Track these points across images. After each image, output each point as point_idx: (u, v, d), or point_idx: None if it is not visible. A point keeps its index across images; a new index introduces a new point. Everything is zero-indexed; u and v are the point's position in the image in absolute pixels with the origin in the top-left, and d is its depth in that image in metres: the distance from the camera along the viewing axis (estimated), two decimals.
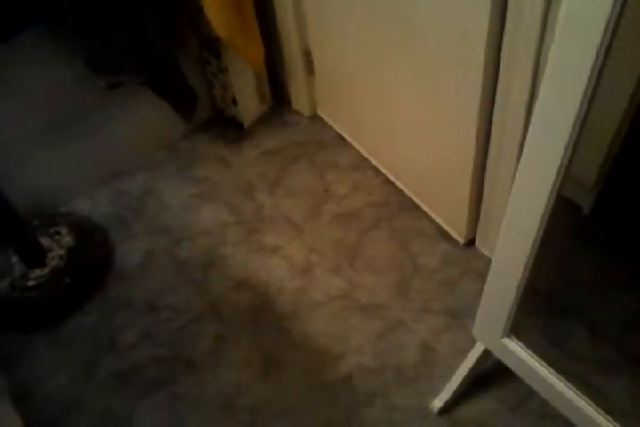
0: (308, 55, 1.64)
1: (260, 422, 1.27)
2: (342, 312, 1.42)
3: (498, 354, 1.12)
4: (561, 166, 0.79)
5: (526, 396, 1.27)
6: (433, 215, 1.56)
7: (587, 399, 1.00)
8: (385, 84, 1.42)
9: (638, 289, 1.16)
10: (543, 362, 1.04)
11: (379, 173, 1.66)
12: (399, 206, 1.60)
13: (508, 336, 1.07)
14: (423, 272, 1.48)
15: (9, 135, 1.44)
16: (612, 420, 0.97)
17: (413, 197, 1.60)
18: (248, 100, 1.73)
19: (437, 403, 1.27)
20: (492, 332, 1.08)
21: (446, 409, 1.28)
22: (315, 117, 1.80)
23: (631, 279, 1.17)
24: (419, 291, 1.45)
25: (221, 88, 1.69)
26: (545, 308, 1.23)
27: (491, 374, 1.31)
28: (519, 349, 1.06)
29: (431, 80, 1.26)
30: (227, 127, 1.78)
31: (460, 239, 1.52)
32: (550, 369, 1.03)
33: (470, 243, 1.52)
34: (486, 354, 1.23)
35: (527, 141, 0.81)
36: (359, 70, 1.49)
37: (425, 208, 1.58)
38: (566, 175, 0.81)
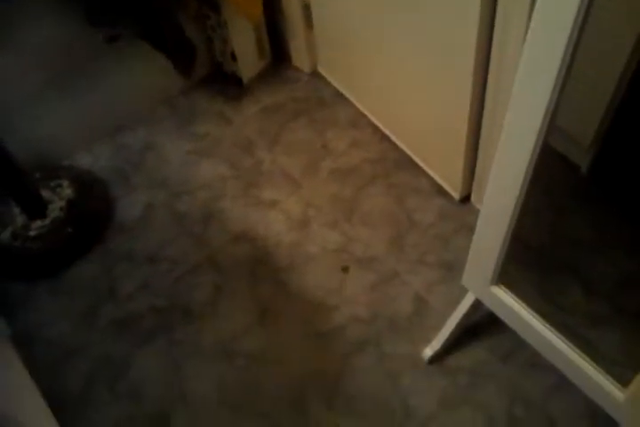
0: (307, 9, 1.63)
1: (254, 367, 1.31)
2: (337, 265, 1.45)
3: (486, 302, 1.15)
4: (547, 113, 0.80)
5: (517, 347, 1.30)
6: (429, 171, 1.57)
7: (574, 348, 1.02)
8: (383, 38, 1.42)
9: (635, 248, 1.17)
10: (530, 309, 1.06)
11: (377, 130, 1.66)
12: (396, 163, 1.61)
13: (497, 284, 1.09)
14: (418, 227, 1.50)
15: (10, 89, 1.45)
16: (599, 368, 0.99)
17: (410, 153, 1.61)
18: (247, 55, 1.72)
19: (428, 352, 1.30)
20: (480, 279, 1.10)
21: (437, 358, 1.31)
22: (315, 74, 1.80)
23: (628, 239, 1.18)
24: (414, 245, 1.47)
25: (221, 43, 1.68)
26: (539, 263, 1.24)
27: (482, 326, 1.34)
28: (507, 296, 1.08)
29: (429, 34, 1.26)
30: (226, 84, 1.78)
31: (456, 195, 1.53)
32: (537, 316, 1.05)
33: (465, 199, 1.53)
34: (477, 304, 1.25)
35: (515, 86, 0.82)
36: (358, 24, 1.48)
37: (421, 165, 1.59)
38: (552, 123, 0.82)
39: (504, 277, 1.09)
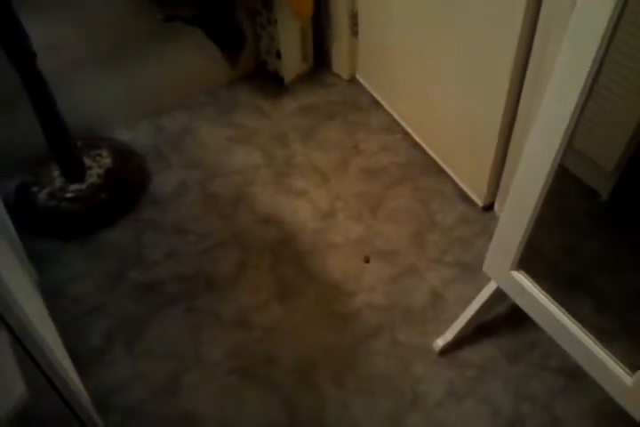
0: (354, 17, 1.72)
1: (269, 340, 1.33)
2: (359, 254, 1.49)
3: (506, 288, 1.18)
4: (567, 130, 0.89)
5: (527, 347, 1.33)
6: (455, 178, 1.63)
7: (586, 332, 1.05)
8: (424, 49, 1.50)
9: None
10: (548, 295, 1.10)
11: (408, 136, 1.73)
12: (423, 168, 1.67)
13: (517, 269, 1.13)
14: (440, 228, 1.54)
15: (68, 59, 1.53)
16: (610, 353, 1.02)
17: (438, 160, 1.67)
18: (291, 55, 1.81)
19: (440, 342, 1.33)
20: (501, 264, 1.14)
21: (447, 350, 1.33)
22: (352, 81, 1.88)
23: None
24: (434, 244, 1.51)
25: (268, 40, 1.77)
26: (554, 277, 1.27)
27: (495, 325, 1.37)
28: (526, 281, 1.12)
29: (466, 48, 1.35)
30: (267, 81, 1.86)
31: (479, 202, 1.58)
32: (554, 301, 1.09)
33: (489, 208, 1.58)
34: (492, 299, 1.28)
35: (543, 104, 0.90)
36: (401, 35, 1.56)
37: (448, 171, 1.64)
38: (570, 142, 0.92)
39: (524, 264, 1.13)
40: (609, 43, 0.80)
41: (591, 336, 1.05)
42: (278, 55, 1.77)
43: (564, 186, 1.16)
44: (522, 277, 1.12)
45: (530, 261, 1.13)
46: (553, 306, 1.09)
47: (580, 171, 1.15)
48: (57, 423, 0.92)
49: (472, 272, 1.45)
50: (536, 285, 1.12)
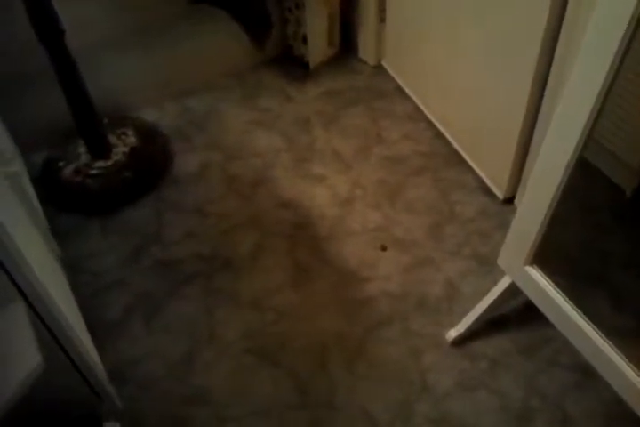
0: (382, 3, 1.71)
1: (283, 322, 1.35)
2: (375, 243, 1.49)
3: (519, 283, 1.18)
4: (589, 119, 0.88)
5: (541, 343, 1.33)
6: (477, 170, 1.62)
7: (599, 331, 1.05)
8: (452, 37, 1.49)
9: None
10: (562, 292, 1.09)
11: (431, 125, 1.72)
12: (445, 159, 1.66)
13: (531, 265, 1.12)
14: (459, 220, 1.54)
15: (97, 38, 1.54)
16: (622, 354, 1.02)
17: (461, 151, 1.66)
18: (318, 40, 1.80)
19: (452, 333, 1.33)
20: (516, 259, 1.14)
21: (460, 342, 1.34)
22: (378, 68, 1.87)
23: None
24: (452, 235, 1.51)
25: (295, 24, 1.77)
26: (572, 273, 1.26)
27: (509, 319, 1.37)
28: (540, 276, 1.11)
29: (496, 38, 1.33)
30: (293, 66, 1.86)
31: (500, 195, 1.57)
32: (567, 298, 1.08)
33: (509, 201, 1.57)
34: (507, 293, 1.28)
35: (564, 96, 0.90)
36: (430, 22, 1.55)
37: (470, 163, 1.63)
38: (591, 132, 0.91)
39: (540, 259, 1.12)
40: (637, 24, 0.78)
41: (602, 335, 1.04)
42: (305, 40, 1.77)
43: (587, 181, 1.15)
44: (535, 273, 1.12)
45: (547, 256, 1.12)
46: (565, 303, 1.09)
47: (605, 166, 1.14)
48: (72, 394, 0.95)
49: (489, 265, 1.45)
50: (549, 280, 1.11)
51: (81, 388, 0.92)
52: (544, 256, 1.11)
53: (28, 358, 0.65)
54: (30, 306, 0.70)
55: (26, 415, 0.81)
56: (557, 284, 1.10)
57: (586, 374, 1.26)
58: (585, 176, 1.11)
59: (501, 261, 1.21)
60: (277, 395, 1.26)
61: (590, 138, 0.93)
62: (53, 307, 0.76)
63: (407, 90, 1.80)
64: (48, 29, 1.27)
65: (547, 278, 1.12)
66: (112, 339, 1.32)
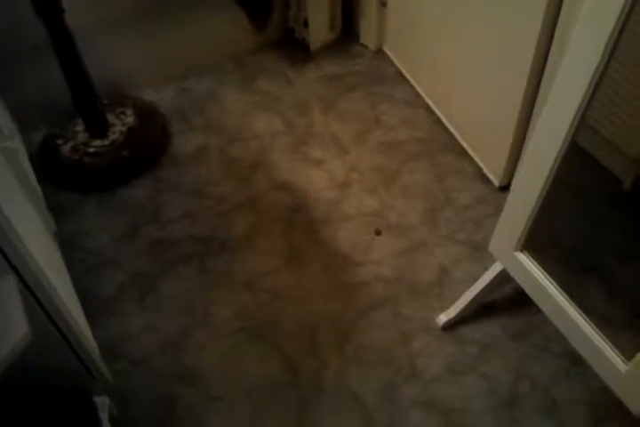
0: None
1: (276, 303, 1.36)
2: (369, 227, 1.50)
3: (509, 268, 1.19)
4: (582, 101, 0.88)
5: (531, 329, 1.34)
6: (474, 157, 1.62)
7: (586, 317, 1.05)
8: (453, 23, 1.48)
9: None
10: (551, 278, 1.10)
11: (430, 112, 1.72)
12: (443, 145, 1.66)
13: (521, 251, 1.13)
14: (454, 206, 1.55)
15: (97, 17, 1.54)
16: (608, 341, 1.02)
17: (459, 137, 1.66)
18: (319, 24, 1.80)
19: (443, 318, 1.34)
20: (506, 244, 1.15)
21: (451, 326, 1.35)
22: (379, 52, 1.86)
23: None
24: (447, 221, 1.52)
25: (296, 7, 1.76)
26: (567, 262, 1.27)
27: (500, 305, 1.38)
28: (529, 262, 1.12)
29: (495, 24, 1.33)
30: (294, 49, 1.86)
31: (496, 182, 1.57)
32: (557, 286, 1.09)
33: (505, 188, 1.57)
34: (498, 279, 1.29)
35: (555, 81, 0.89)
36: (431, 7, 1.54)
37: (468, 149, 1.63)
38: (583, 117, 0.90)
39: (532, 246, 1.13)
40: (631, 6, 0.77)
41: (591, 323, 1.05)
42: (306, 23, 1.77)
43: (585, 171, 1.16)
44: (525, 259, 1.13)
45: (538, 243, 1.13)
46: (554, 289, 1.10)
47: (603, 157, 1.14)
48: (63, 369, 0.96)
49: (482, 251, 1.45)
50: (539, 267, 1.12)
51: (71, 362, 0.94)
52: (535, 243, 1.12)
53: (15, 330, 0.66)
54: (21, 279, 0.71)
55: (16, 388, 0.83)
56: (548, 271, 1.11)
57: (576, 361, 1.27)
58: (583, 166, 1.11)
59: (492, 247, 1.21)
60: (268, 375, 1.27)
61: (583, 122, 0.92)
62: (44, 280, 0.77)
63: (407, 75, 1.80)
64: (48, 8, 1.27)
65: (536, 265, 1.12)
66: (106, 316, 1.34)
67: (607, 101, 1.03)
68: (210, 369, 1.28)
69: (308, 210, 1.52)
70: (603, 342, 1.03)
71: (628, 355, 0.99)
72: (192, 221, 1.48)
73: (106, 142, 1.52)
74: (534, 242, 1.11)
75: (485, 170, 1.60)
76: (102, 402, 0.99)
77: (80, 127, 1.53)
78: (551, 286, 1.10)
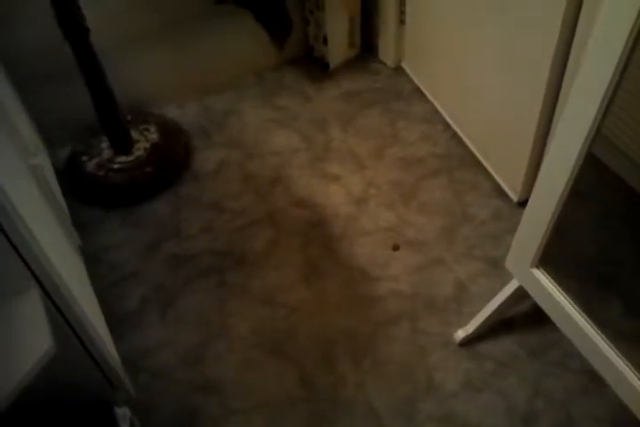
0: (402, 5, 1.73)
1: (293, 318, 1.38)
2: (387, 242, 1.51)
3: (525, 285, 1.19)
4: (597, 114, 0.88)
5: (548, 345, 1.33)
6: (492, 172, 1.63)
7: (603, 336, 1.05)
8: (471, 40, 1.50)
9: None
10: (567, 295, 1.10)
11: (448, 127, 1.73)
12: (461, 160, 1.67)
13: (537, 267, 1.13)
14: (472, 222, 1.55)
15: (122, 36, 1.59)
16: (627, 361, 1.02)
17: (477, 153, 1.67)
18: (338, 41, 1.83)
19: (460, 334, 1.35)
20: (522, 261, 1.15)
21: (468, 342, 1.35)
22: (397, 69, 1.89)
23: None
24: (464, 237, 1.52)
25: (315, 26, 1.79)
26: (584, 276, 1.27)
27: (517, 321, 1.38)
28: (545, 279, 1.12)
29: (512, 41, 1.34)
30: (313, 66, 1.89)
31: (514, 198, 1.58)
32: (572, 302, 1.09)
33: (524, 204, 1.57)
34: (516, 296, 1.29)
35: (571, 95, 0.90)
36: (449, 24, 1.56)
37: (486, 165, 1.64)
38: (599, 130, 0.90)
39: (548, 262, 1.13)
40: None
41: (607, 341, 1.05)
42: (325, 41, 1.80)
43: (603, 186, 1.16)
44: (541, 275, 1.13)
45: (554, 259, 1.13)
46: (570, 306, 1.09)
47: (622, 171, 1.14)
48: (85, 381, 0.98)
49: (500, 268, 1.45)
50: (555, 283, 1.12)
51: (94, 374, 0.96)
52: (551, 259, 1.12)
53: (39, 343, 0.69)
54: (45, 293, 0.74)
55: (38, 400, 0.85)
56: (564, 287, 1.11)
57: (593, 378, 1.26)
58: (600, 180, 1.11)
59: (509, 264, 1.22)
60: (284, 389, 1.29)
61: (599, 133, 0.92)
62: (68, 294, 0.80)
63: (425, 92, 1.82)
64: (74, 28, 1.31)
65: (552, 281, 1.12)
66: (128, 328, 1.36)
67: (623, 113, 1.03)
68: (227, 382, 1.29)
69: (326, 225, 1.54)
70: (619, 360, 1.03)
71: None
72: (212, 235, 1.51)
73: (130, 159, 1.56)
74: (550, 258, 1.12)
75: (503, 185, 1.60)
76: (123, 413, 1.01)
77: (105, 144, 1.57)
78: (567, 303, 1.10)
